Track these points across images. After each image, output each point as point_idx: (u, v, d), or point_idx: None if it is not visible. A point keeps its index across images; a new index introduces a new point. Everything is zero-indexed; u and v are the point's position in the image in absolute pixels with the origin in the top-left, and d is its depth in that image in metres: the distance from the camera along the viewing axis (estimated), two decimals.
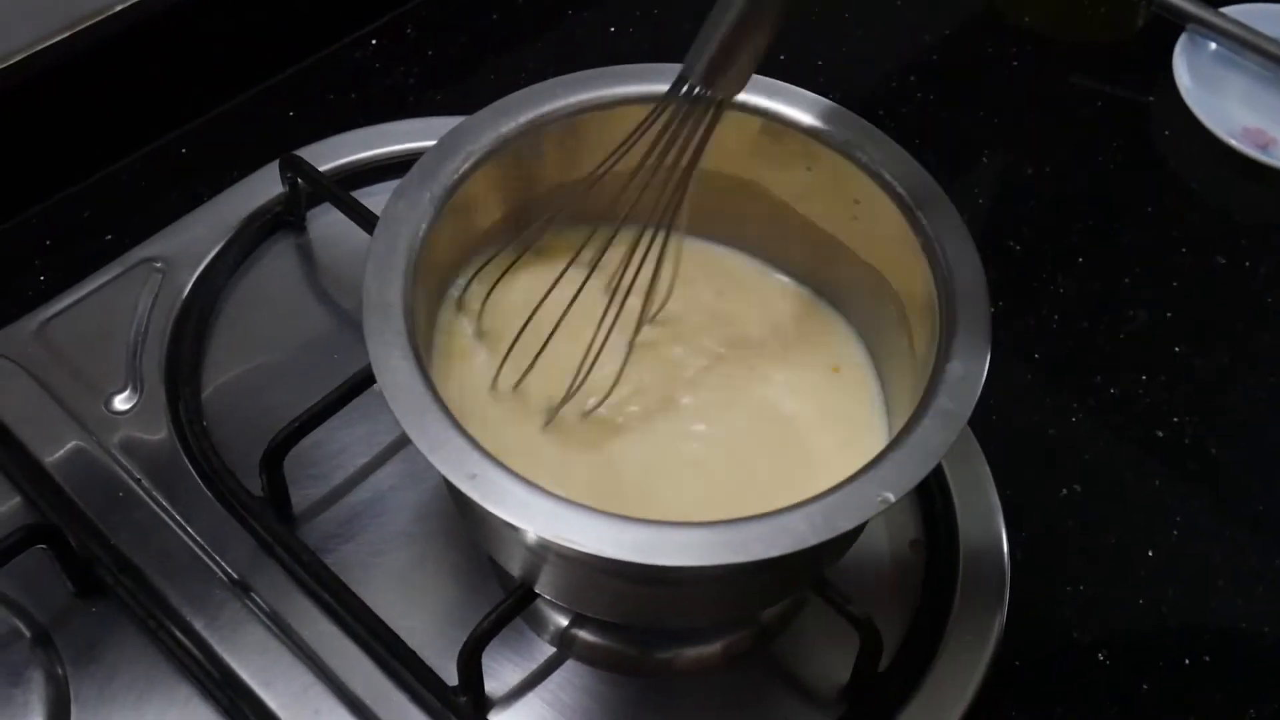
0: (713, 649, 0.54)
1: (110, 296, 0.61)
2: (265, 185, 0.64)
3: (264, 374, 0.60)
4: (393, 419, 0.43)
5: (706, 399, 0.52)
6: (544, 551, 0.46)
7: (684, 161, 0.47)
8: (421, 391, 0.43)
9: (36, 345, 0.59)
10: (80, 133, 0.67)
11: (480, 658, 0.50)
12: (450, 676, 0.51)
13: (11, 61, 0.63)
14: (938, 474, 0.57)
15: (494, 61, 0.75)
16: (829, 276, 0.55)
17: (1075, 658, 0.55)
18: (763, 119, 0.51)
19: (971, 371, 0.45)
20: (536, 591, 0.49)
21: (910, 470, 0.43)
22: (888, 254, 0.51)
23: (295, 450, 0.54)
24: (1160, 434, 0.62)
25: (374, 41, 0.75)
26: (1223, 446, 0.62)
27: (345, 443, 0.58)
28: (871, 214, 0.51)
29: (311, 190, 0.64)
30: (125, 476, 0.56)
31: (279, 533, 0.54)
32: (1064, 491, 0.60)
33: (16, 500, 0.55)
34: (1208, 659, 0.56)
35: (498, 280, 0.51)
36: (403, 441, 0.57)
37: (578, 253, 0.50)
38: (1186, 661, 0.56)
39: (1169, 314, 0.67)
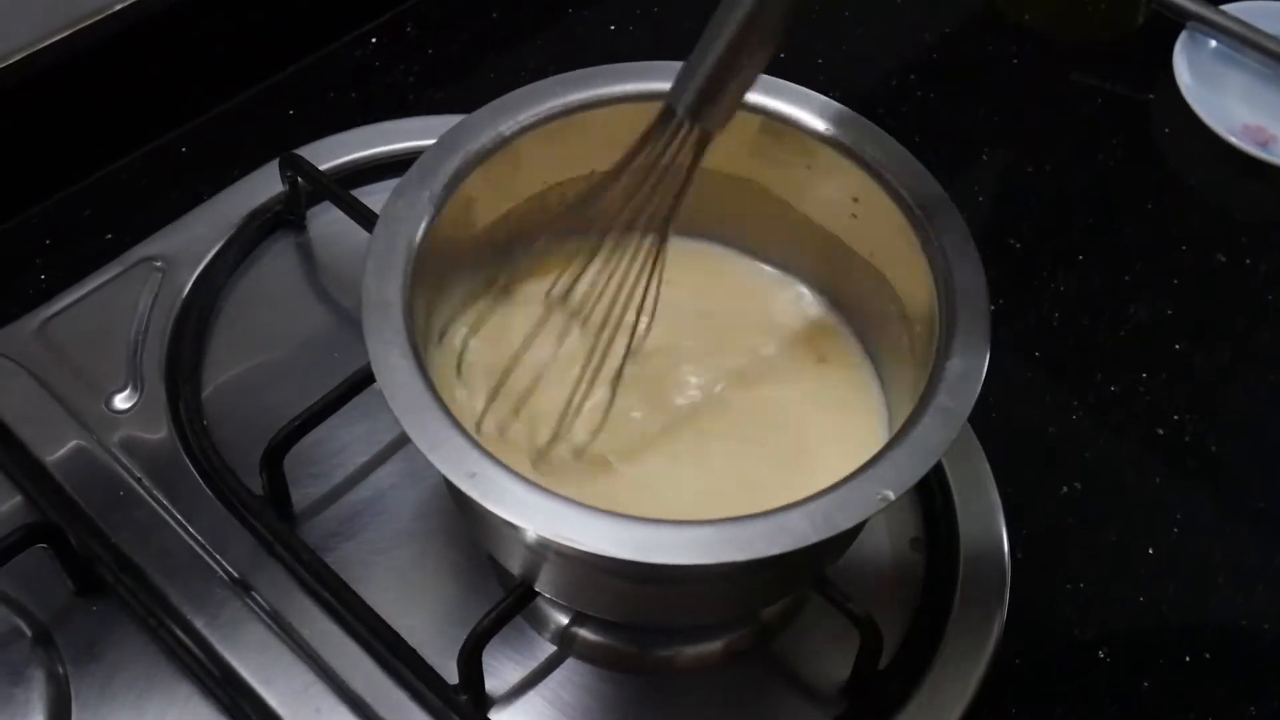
0: (713, 647, 0.54)
1: (110, 295, 0.61)
2: (265, 184, 0.64)
3: (264, 373, 0.60)
4: (392, 417, 0.43)
5: (704, 402, 0.52)
6: (544, 550, 0.46)
7: (670, 191, 0.46)
8: (421, 390, 0.43)
9: (37, 344, 0.59)
10: (80, 132, 0.67)
11: (480, 656, 0.50)
12: (451, 675, 0.51)
13: (12, 61, 0.63)
14: (938, 472, 0.57)
15: (494, 60, 0.75)
16: (828, 275, 0.55)
17: (1076, 655, 0.55)
18: (762, 117, 0.51)
19: (971, 369, 0.45)
20: (536, 590, 0.49)
21: (910, 468, 0.43)
22: (887, 252, 0.51)
23: (295, 449, 0.54)
24: (1160, 432, 0.62)
25: (374, 40, 0.75)
26: (1223, 444, 0.62)
27: (345, 441, 0.58)
28: (871, 212, 0.51)
29: (311, 189, 0.64)
30: (126, 475, 0.56)
31: (279, 531, 0.54)
32: (1064, 489, 0.60)
33: (17, 499, 0.55)
34: (1208, 656, 0.56)
35: (479, 321, 0.51)
36: (402, 440, 0.57)
37: (554, 282, 0.50)
38: (1187, 659, 0.56)
39: (1169, 311, 0.67)
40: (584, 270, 0.49)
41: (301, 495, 0.56)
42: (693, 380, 0.52)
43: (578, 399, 0.48)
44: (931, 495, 0.57)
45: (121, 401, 0.58)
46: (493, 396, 0.49)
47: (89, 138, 0.67)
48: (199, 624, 0.52)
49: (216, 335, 0.61)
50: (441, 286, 0.50)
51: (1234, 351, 0.66)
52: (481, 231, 0.52)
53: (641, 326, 0.50)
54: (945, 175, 0.49)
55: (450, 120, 0.50)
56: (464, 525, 0.55)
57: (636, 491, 0.49)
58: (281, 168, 0.63)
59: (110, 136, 0.68)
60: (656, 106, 0.51)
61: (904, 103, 0.74)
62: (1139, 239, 0.70)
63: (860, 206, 0.51)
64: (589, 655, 0.53)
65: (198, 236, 0.63)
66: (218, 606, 0.53)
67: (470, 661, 0.50)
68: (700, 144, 0.45)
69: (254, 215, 0.64)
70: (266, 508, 0.55)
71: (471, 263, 0.52)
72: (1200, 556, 0.58)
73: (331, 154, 0.66)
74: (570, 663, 0.53)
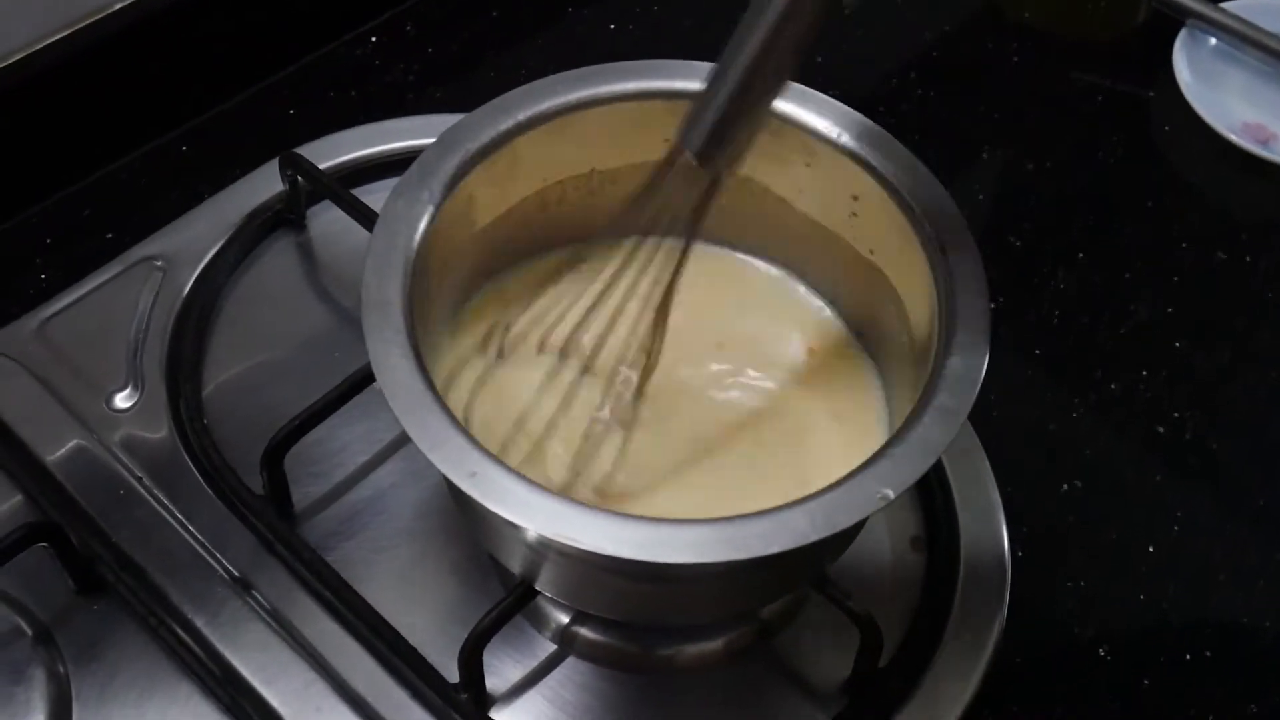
0: (714, 645, 0.54)
1: (111, 295, 0.61)
2: (265, 183, 0.64)
3: (264, 372, 0.60)
4: (393, 417, 0.43)
5: (709, 411, 0.51)
6: (544, 549, 0.46)
7: (680, 234, 0.46)
8: (421, 390, 0.43)
9: (37, 344, 0.59)
10: (80, 131, 0.67)
11: (481, 655, 0.50)
12: (451, 674, 0.51)
13: (11, 60, 0.63)
14: (938, 471, 0.57)
15: (494, 59, 0.75)
16: (828, 273, 0.55)
17: (1076, 654, 0.55)
18: None
19: (971, 368, 0.45)
20: (537, 589, 0.49)
21: (910, 467, 0.43)
22: (887, 250, 0.51)
23: (296, 448, 0.54)
24: (1161, 430, 0.62)
25: (374, 39, 0.75)
26: (1223, 443, 0.62)
27: (346, 441, 0.58)
28: (871, 211, 0.51)
29: (312, 188, 0.64)
30: (126, 474, 0.56)
31: (280, 530, 0.54)
32: (1065, 488, 0.60)
33: (18, 498, 0.55)
34: (1209, 655, 0.56)
35: (484, 376, 0.51)
36: (403, 439, 0.57)
37: (557, 328, 0.50)
38: (1187, 657, 0.56)
39: (1169, 310, 0.67)
40: (590, 314, 0.49)
41: (302, 494, 0.56)
42: (696, 387, 0.52)
43: (592, 443, 0.48)
44: (932, 494, 0.57)
45: (122, 401, 0.58)
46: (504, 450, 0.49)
47: (89, 137, 0.67)
48: (200, 623, 0.52)
49: (217, 334, 0.61)
50: (442, 285, 0.50)
51: (1234, 350, 0.66)
52: (481, 230, 0.52)
53: (653, 366, 0.49)
54: (945, 174, 0.49)
55: (450, 119, 0.50)
56: (464, 524, 0.55)
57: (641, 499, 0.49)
58: (281, 167, 0.63)
59: (110, 136, 0.68)
60: (656, 105, 0.51)
61: (904, 101, 0.74)
62: (1139, 237, 0.70)
63: (860, 205, 0.51)
64: (589, 654, 0.53)
65: (198, 236, 0.63)
66: (218, 605, 0.53)
67: (471, 660, 0.50)
68: (711, 187, 0.45)
69: (254, 214, 0.64)
70: (267, 507, 0.55)
71: (472, 261, 0.52)
72: (1200, 555, 0.58)
73: (331, 153, 0.66)
74: (571, 661, 0.53)
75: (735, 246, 0.56)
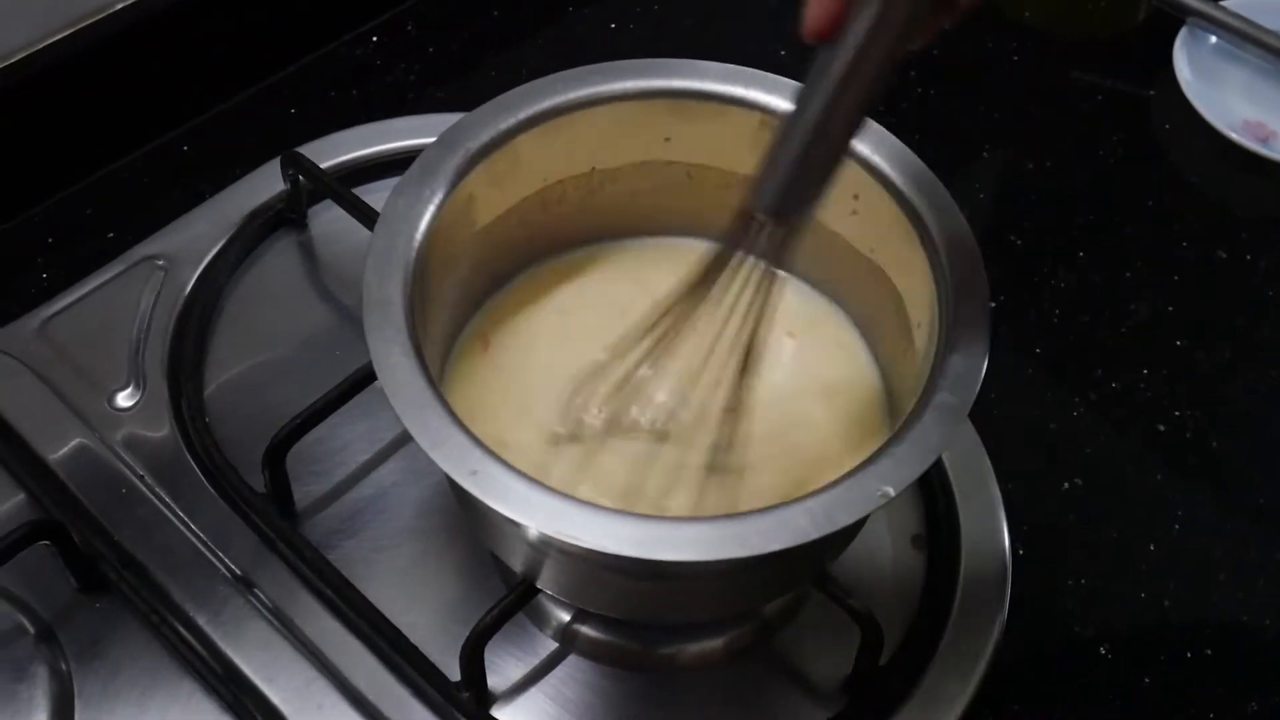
0: (715, 644, 0.54)
1: (112, 294, 0.61)
2: (267, 182, 0.65)
3: (266, 371, 0.60)
4: (394, 415, 0.43)
5: (713, 401, 0.51)
6: (545, 547, 0.46)
7: (756, 291, 0.46)
8: (422, 388, 0.43)
9: (39, 343, 0.59)
10: (81, 131, 0.67)
11: (483, 653, 0.50)
12: (453, 672, 0.51)
13: (13, 60, 0.63)
14: (938, 469, 0.57)
15: (494, 58, 0.75)
16: (828, 271, 0.55)
17: (1077, 652, 0.55)
18: (761, 114, 0.51)
19: (972, 366, 0.45)
20: (538, 587, 0.49)
21: (910, 465, 0.43)
22: (888, 249, 0.51)
23: (297, 447, 0.54)
24: (1161, 428, 0.62)
25: (375, 39, 0.75)
26: (1224, 440, 0.62)
27: (347, 439, 0.58)
28: (871, 209, 0.51)
29: (313, 187, 0.64)
30: (128, 473, 0.56)
31: (282, 529, 0.54)
32: (1065, 486, 0.60)
33: (20, 497, 0.55)
34: (1209, 652, 0.56)
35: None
36: (404, 438, 0.58)
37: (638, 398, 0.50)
38: (1188, 655, 0.56)
39: (1170, 308, 0.67)
40: (661, 380, 0.49)
41: (303, 493, 0.56)
42: (709, 389, 0.51)
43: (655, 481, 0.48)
44: (932, 492, 0.57)
45: (124, 399, 0.58)
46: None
47: (90, 137, 0.67)
48: (201, 621, 0.52)
49: (218, 333, 0.61)
50: (443, 284, 0.50)
51: (1235, 348, 0.66)
52: (482, 229, 0.52)
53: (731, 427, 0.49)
54: (945, 172, 0.49)
55: (451, 118, 0.50)
56: (466, 523, 0.55)
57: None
58: (283, 166, 0.63)
59: (111, 136, 0.68)
60: (657, 104, 0.52)
61: (904, 100, 0.74)
62: (1139, 236, 0.70)
63: (860, 204, 0.51)
64: (591, 652, 0.53)
65: (199, 235, 0.63)
66: (220, 604, 0.53)
67: (472, 658, 0.50)
68: (785, 241, 0.44)
69: (255, 214, 0.64)
70: (269, 505, 0.55)
71: (473, 260, 0.52)
72: (1201, 553, 0.58)
73: (333, 152, 0.66)
74: (572, 659, 0.53)
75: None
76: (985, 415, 0.56)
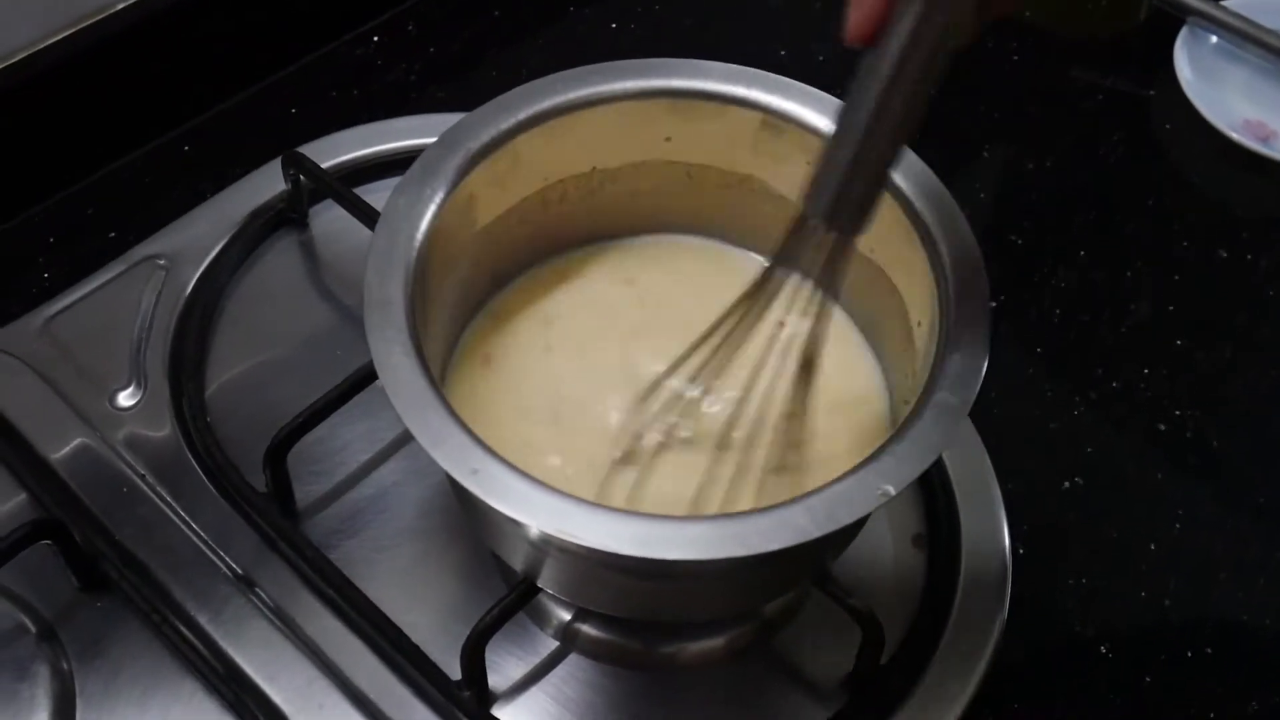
0: (715, 643, 0.54)
1: (114, 293, 0.61)
2: (268, 182, 0.65)
3: (267, 370, 0.60)
4: (395, 415, 0.43)
5: (738, 412, 0.51)
6: (546, 546, 0.47)
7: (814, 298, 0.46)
8: (423, 387, 0.43)
9: (41, 342, 0.59)
10: (83, 131, 0.67)
11: (483, 652, 0.50)
12: (454, 671, 0.51)
13: (14, 60, 0.63)
14: (939, 468, 0.57)
15: (495, 58, 0.75)
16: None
17: (1077, 650, 0.55)
18: (763, 114, 0.51)
19: (972, 365, 0.45)
20: (539, 586, 0.49)
21: (911, 463, 0.43)
22: (888, 248, 0.51)
23: (298, 446, 0.54)
24: (1162, 427, 0.62)
25: (376, 38, 0.75)
26: (1224, 439, 0.62)
27: (348, 439, 0.58)
28: None
29: (314, 187, 0.64)
30: (130, 472, 0.56)
31: (283, 528, 0.55)
32: (1066, 484, 0.60)
33: (21, 496, 0.56)
34: (1210, 651, 0.56)
35: None
36: (405, 438, 0.58)
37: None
38: (1188, 654, 0.56)
39: (1170, 307, 0.67)
40: (717, 391, 0.49)
41: (305, 492, 0.56)
42: (765, 397, 0.51)
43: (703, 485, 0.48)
44: (933, 491, 0.57)
45: (125, 399, 0.58)
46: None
47: (91, 136, 0.67)
48: (203, 620, 0.52)
49: (219, 333, 0.61)
50: (443, 284, 0.50)
51: (1235, 347, 0.66)
52: (483, 228, 0.52)
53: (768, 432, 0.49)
54: (946, 172, 0.49)
55: (452, 118, 0.50)
56: (467, 522, 0.55)
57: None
58: (284, 166, 0.63)
59: (113, 135, 0.68)
60: (657, 104, 0.52)
61: None
62: (1140, 235, 0.70)
63: None
64: (592, 651, 0.53)
65: (200, 234, 0.63)
66: (221, 603, 0.53)
67: (473, 657, 0.50)
68: (841, 248, 0.44)
69: (256, 213, 0.64)
70: (270, 505, 0.55)
71: (474, 259, 0.52)
72: (1201, 552, 0.58)
73: (334, 152, 0.66)
74: (573, 658, 0.53)
75: (736, 243, 0.56)
76: (986, 414, 0.56)
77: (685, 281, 0.55)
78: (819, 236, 0.44)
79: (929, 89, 0.41)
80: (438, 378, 0.45)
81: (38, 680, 0.51)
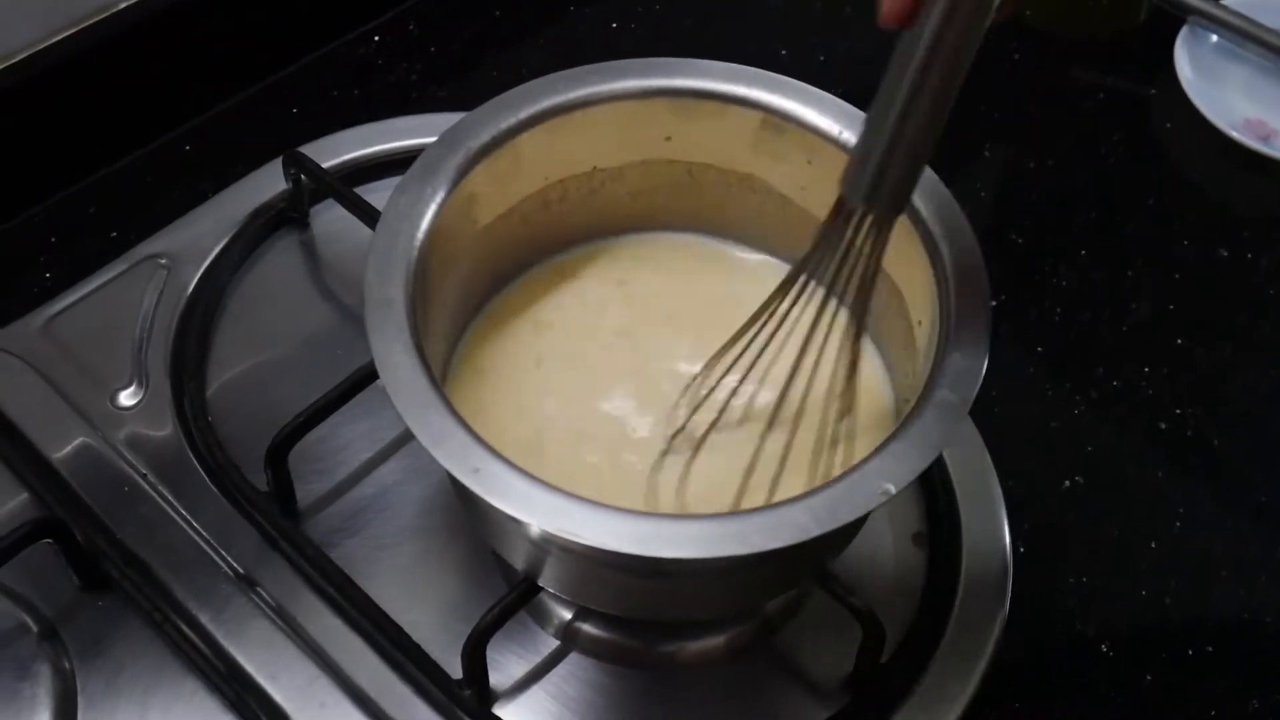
0: (716, 642, 0.54)
1: (115, 293, 0.61)
2: (269, 182, 0.65)
3: (268, 370, 0.60)
4: (396, 414, 0.43)
5: (749, 404, 0.51)
6: (547, 545, 0.47)
7: (854, 285, 0.46)
8: (424, 387, 0.43)
9: (42, 341, 0.59)
10: (84, 130, 0.67)
11: (484, 651, 0.50)
12: (455, 670, 0.51)
13: (15, 60, 0.63)
14: (940, 466, 0.57)
15: (496, 58, 0.75)
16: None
17: (1078, 649, 0.55)
18: (764, 113, 0.51)
19: (972, 364, 0.45)
20: (540, 585, 0.49)
21: (911, 462, 0.43)
22: (889, 247, 0.51)
23: (300, 445, 0.54)
24: (1162, 426, 0.62)
25: (376, 38, 0.75)
26: (1225, 438, 0.62)
27: (349, 438, 0.58)
28: None
29: (315, 186, 0.64)
30: (131, 472, 0.56)
31: (284, 527, 0.55)
32: (1066, 483, 0.60)
33: (23, 495, 0.56)
34: (1210, 650, 0.56)
35: None
36: (406, 437, 0.58)
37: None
38: (1189, 652, 0.56)
39: (1171, 306, 0.67)
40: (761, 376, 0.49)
41: (306, 491, 0.56)
42: (807, 380, 0.50)
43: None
44: (934, 490, 0.57)
45: (127, 398, 0.58)
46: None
47: (93, 136, 0.67)
48: (204, 619, 0.52)
49: (221, 332, 0.61)
50: (444, 283, 0.50)
51: (1235, 346, 0.66)
52: (484, 228, 0.52)
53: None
54: (946, 171, 0.49)
55: (452, 118, 0.50)
56: (467, 521, 0.55)
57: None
58: (285, 165, 0.63)
59: (114, 135, 0.68)
60: (658, 103, 0.52)
61: None
62: (1140, 234, 0.70)
63: None
64: (592, 650, 0.54)
65: (202, 234, 0.63)
66: (223, 602, 0.53)
67: (474, 656, 0.50)
68: (882, 232, 0.44)
69: (258, 213, 0.64)
70: (271, 504, 0.55)
71: (474, 259, 0.52)
72: (1202, 550, 0.59)
73: (334, 151, 0.66)
74: (574, 657, 0.53)
75: (737, 242, 0.56)
76: (986, 413, 0.56)
77: (676, 279, 0.55)
78: (856, 221, 0.44)
79: (966, 65, 0.41)
80: (438, 377, 0.45)
81: (39, 679, 0.51)
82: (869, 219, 0.44)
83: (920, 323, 0.49)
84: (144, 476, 0.56)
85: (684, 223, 0.56)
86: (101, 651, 0.52)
